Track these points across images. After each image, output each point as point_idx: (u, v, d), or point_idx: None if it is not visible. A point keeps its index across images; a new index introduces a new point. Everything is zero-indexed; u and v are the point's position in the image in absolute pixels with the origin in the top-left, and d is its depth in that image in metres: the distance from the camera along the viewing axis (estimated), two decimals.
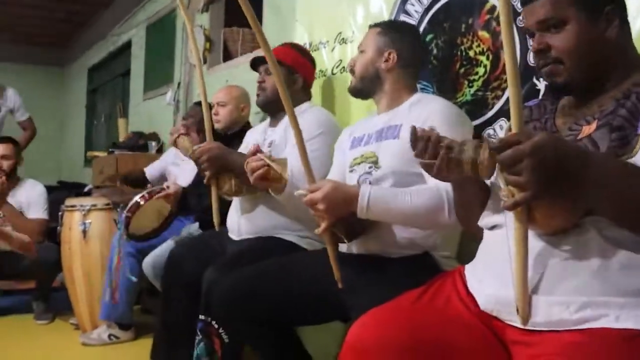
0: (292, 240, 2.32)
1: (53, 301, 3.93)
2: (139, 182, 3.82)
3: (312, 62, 2.62)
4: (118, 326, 3.36)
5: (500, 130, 2.04)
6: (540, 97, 1.86)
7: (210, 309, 2.13)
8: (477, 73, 2.15)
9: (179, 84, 5.05)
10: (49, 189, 4.29)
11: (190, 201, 3.12)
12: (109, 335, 3.34)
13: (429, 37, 2.33)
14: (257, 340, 2.06)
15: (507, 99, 1.11)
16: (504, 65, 1.12)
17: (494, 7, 2.09)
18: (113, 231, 3.36)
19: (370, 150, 1.95)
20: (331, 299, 1.81)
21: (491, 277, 1.29)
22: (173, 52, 5.25)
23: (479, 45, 2.15)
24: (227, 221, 2.54)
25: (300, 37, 3.04)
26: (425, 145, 1.30)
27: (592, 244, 1.16)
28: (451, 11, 2.27)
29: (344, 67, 2.77)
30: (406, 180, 1.81)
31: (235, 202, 2.50)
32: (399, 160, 1.85)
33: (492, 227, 1.36)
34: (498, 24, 2.07)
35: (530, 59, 1.94)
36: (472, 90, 2.17)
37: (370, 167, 1.92)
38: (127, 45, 6.65)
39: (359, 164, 1.98)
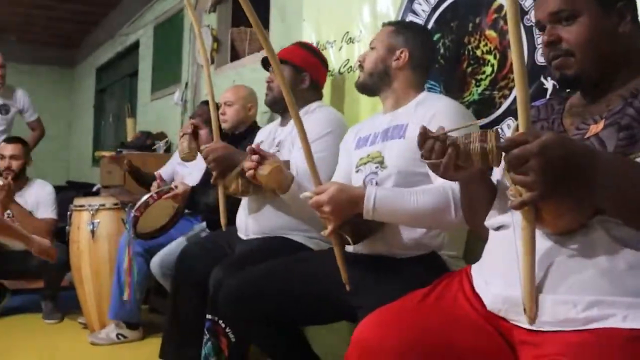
0: (300, 240, 2.33)
1: (62, 300, 3.95)
2: (144, 180, 3.82)
3: (322, 61, 2.62)
4: (126, 325, 3.37)
5: (507, 129, 2.04)
6: (547, 96, 1.86)
7: (217, 308, 2.14)
8: (484, 72, 2.15)
9: (186, 84, 5.07)
10: (58, 189, 4.31)
11: (198, 201, 3.13)
12: (117, 335, 3.35)
13: (436, 36, 2.33)
14: (264, 340, 2.06)
15: (515, 99, 1.11)
16: (512, 64, 1.12)
17: (501, 6, 2.09)
18: (121, 231, 3.36)
19: (376, 150, 1.95)
20: (338, 299, 1.81)
21: (498, 277, 1.28)
22: (181, 52, 5.26)
23: (486, 45, 2.14)
24: (236, 220, 2.54)
25: (308, 37, 3.04)
26: (433, 145, 1.29)
27: (600, 243, 1.15)
28: (458, 10, 2.26)
29: (351, 67, 2.77)
30: (412, 180, 1.81)
31: (244, 202, 2.51)
32: (405, 160, 1.85)
33: (498, 228, 1.35)
34: (505, 23, 2.06)
35: (538, 57, 1.93)
36: (480, 90, 2.16)
37: (376, 167, 1.92)
38: (135, 46, 6.67)
39: (365, 164, 1.98)
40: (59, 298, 3.93)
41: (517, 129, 1.11)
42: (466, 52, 2.22)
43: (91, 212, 3.52)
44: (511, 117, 2.03)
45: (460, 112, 1.89)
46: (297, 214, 2.29)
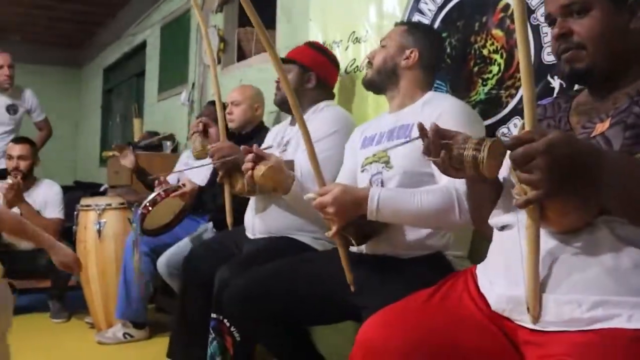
0: (306, 241, 2.32)
1: (69, 300, 3.97)
2: (149, 182, 3.82)
3: (332, 61, 2.62)
4: (133, 325, 3.38)
5: (514, 128, 2.03)
6: (554, 95, 1.85)
7: (222, 308, 2.14)
8: (491, 71, 2.14)
9: (193, 84, 5.07)
10: (65, 189, 4.32)
11: (206, 200, 3.13)
12: (124, 334, 3.36)
13: (442, 35, 2.32)
14: (270, 339, 2.06)
15: (521, 98, 1.10)
16: (518, 63, 1.11)
17: (507, 5, 2.08)
18: (128, 230, 3.37)
19: (382, 150, 1.95)
20: (343, 299, 1.80)
21: (502, 277, 1.28)
22: (187, 52, 5.27)
23: (492, 44, 2.14)
24: (244, 220, 2.54)
25: (314, 37, 3.04)
26: (429, 143, 1.29)
27: (604, 242, 1.14)
28: (465, 10, 2.26)
29: (357, 66, 2.77)
30: (418, 180, 1.81)
31: (251, 201, 2.51)
32: (411, 160, 1.85)
33: (503, 227, 1.34)
34: (512, 22, 2.05)
35: (545, 56, 1.93)
36: (486, 89, 2.16)
37: (382, 167, 1.92)
38: (142, 46, 6.69)
39: (371, 163, 1.97)
40: (66, 298, 3.95)
41: (523, 127, 1.10)
42: (472, 52, 2.22)
43: (98, 212, 3.53)
44: (518, 117, 2.03)
45: (466, 111, 1.89)
46: (303, 214, 2.29)
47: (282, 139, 2.53)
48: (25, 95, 4.90)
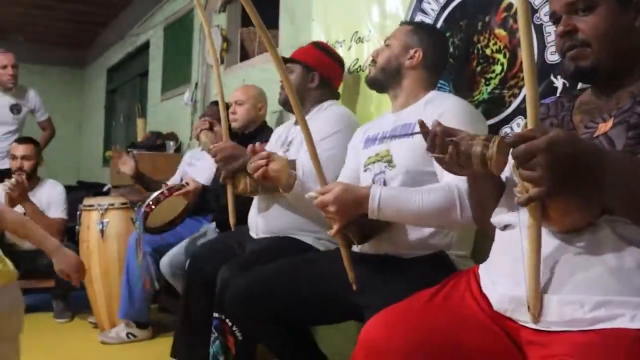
0: (308, 241, 2.32)
1: (72, 300, 3.97)
2: (150, 187, 3.82)
3: (337, 61, 2.63)
4: (136, 325, 3.38)
5: (517, 128, 2.03)
6: (557, 94, 1.85)
7: (224, 307, 2.14)
8: (494, 71, 2.14)
9: (196, 84, 5.08)
10: (68, 189, 4.33)
11: (209, 199, 3.13)
12: (127, 334, 3.36)
13: (446, 36, 2.32)
14: (272, 339, 2.06)
15: (525, 97, 1.10)
16: (521, 63, 1.11)
17: (510, 5, 2.08)
18: (130, 230, 3.38)
19: (385, 149, 1.95)
20: (345, 299, 1.81)
21: (504, 277, 1.27)
22: (191, 52, 5.27)
23: (495, 43, 2.13)
24: (248, 219, 2.55)
25: (317, 37, 3.04)
26: (434, 139, 1.29)
27: (606, 242, 1.14)
28: (467, 9, 2.25)
29: (360, 66, 2.77)
30: (421, 179, 1.81)
31: (254, 201, 2.51)
32: (413, 159, 1.85)
33: (505, 227, 1.34)
34: (515, 21, 2.05)
35: (548, 56, 1.92)
36: (489, 89, 2.15)
37: (385, 166, 1.92)
38: (145, 46, 6.70)
39: (374, 163, 1.97)
40: (69, 297, 3.95)
41: (526, 126, 1.10)
42: (475, 51, 2.21)
43: (100, 212, 3.53)
44: (521, 116, 2.02)
45: (468, 111, 1.89)
46: (305, 213, 2.28)
47: (285, 139, 2.53)
48: (28, 95, 4.91)
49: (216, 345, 2.20)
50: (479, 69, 2.20)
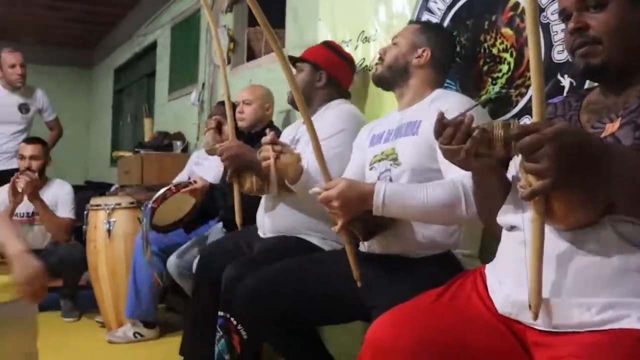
0: (314, 242, 2.32)
1: (80, 299, 3.99)
2: None
3: (346, 60, 2.63)
4: (143, 324, 3.39)
5: None
6: (564, 94, 1.84)
7: (229, 306, 2.14)
8: (500, 70, 2.13)
9: (203, 84, 5.08)
10: (76, 189, 4.35)
11: (217, 198, 3.13)
12: (134, 333, 3.37)
13: (453, 35, 2.31)
14: (279, 339, 2.06)
15: (532, 96, 1.09)
16: (528, 62, 1.10)
17: (517, 4, 2.07)
18: (137, 229, 3.38)
19: (390, 147, 1.95)
20: (352, 299, 1.80)
21: (509, 278, 1.27)
22: (198, 52, 5.28)
23: (502, 43, 2.13)
24: (256, 219, 2.55)
25: (323, 37, 3.04)
26: (455, 130, 1.26)
27: (612, 243, 1.13)
28: (474, 8, 2.25)
29: (367, 66, 2.77)
30: (426, 177, 1.80)
31: (262, 200, 2.52)
32: (418, 156, 1.85)
33: (511, 228, 1.33)
34: (522, 20, 2.05)
35: (555, 55, 1.92)
36: (496, 88, 2.15)
37: (390, 165, 1.92)
38: (153, 46, 6.71)
39: (379, 161, 1.97)
40: (77, 297, 3.97)
41: None
42: (482, 50, 2.21)
43: (107, 212, 3.55)
44: (528, 116, 2.01)
45: (474, 109, 1.87)
46: (311, 210, 2.28)
47: (293, 138, 2.54)
48: (36, 95, 4.93)
49: (221, 343, 2.20)
50: (485, 68, 2.19)
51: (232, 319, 2.17)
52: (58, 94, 7.02)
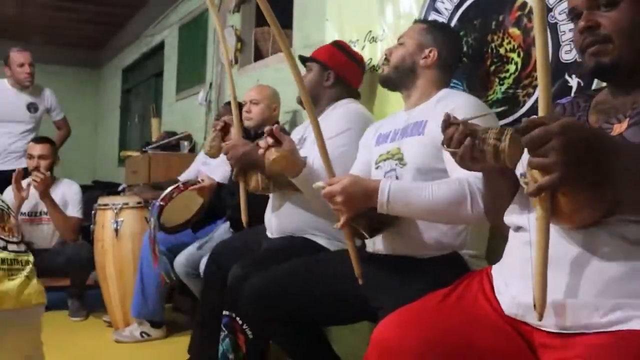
0: (320, 242, 2.32)
1: (87, 299, 4.00)
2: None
3: (355, 60, 2.63)
4: (150, 324, 3.40)
5: None
6: (572, 94, 1.83)
7: (235, 305, 2.14)
8: (507, 70, 2.13)
9: (210, 84, 5.09)
10: (84, 189, 4.37)
11: (224, 197, 3.14)
12: (141, 333, 3.38)
13: (460, 35, 2.31)
14: (285, 339, 2.06)
15: (538, 97, 1.08)
16: (535, 62, 1.09)
17: (524, 4, 2.06)
18: (145, 229, 3.39)
19: (396, 147, 1.94)
20: (359, 299, 1.80)
21: (516, 279, 1.26)
22: (205, 52, 5.29)
23: (509, 43, 2.12)
24: (264, 218, 2.55)
25: (331, 37, 3.04)
26: (453, 133, 1.27)
27: (618, 245, 1.12)
28: (481, 8, 2.24)
29: (374, 66, 2.76)
30: (432, 177, 1.79)
31: (270, 200, 2.52)
32: (424, 156, 1.84)
33: (517, 229, 1.32)
34: (529, 20, 2.04)
35: (563, 55, 1.91)
36: (503, 88, 2.14)
37: (396, 164, 1.91)
38: (160, 46, 6.72)
39: (385, 160, 1.97)
40: (84, 296, 3.98)
41: None
42: (489, 50, 2.20)
43: (115, 211, 3.56)
44: (535, 116, 2.00)
45: (480, 108, 1.87)
46: (317, 208, 2.27)
47: (302, 137, 2.54)
48: (44, 94, 4.94)
49: (226, 342, 2.20)
50: (492, 68, 2.19)
51: (237, 318, 2.18)
52: (66, 94, 7.04)
